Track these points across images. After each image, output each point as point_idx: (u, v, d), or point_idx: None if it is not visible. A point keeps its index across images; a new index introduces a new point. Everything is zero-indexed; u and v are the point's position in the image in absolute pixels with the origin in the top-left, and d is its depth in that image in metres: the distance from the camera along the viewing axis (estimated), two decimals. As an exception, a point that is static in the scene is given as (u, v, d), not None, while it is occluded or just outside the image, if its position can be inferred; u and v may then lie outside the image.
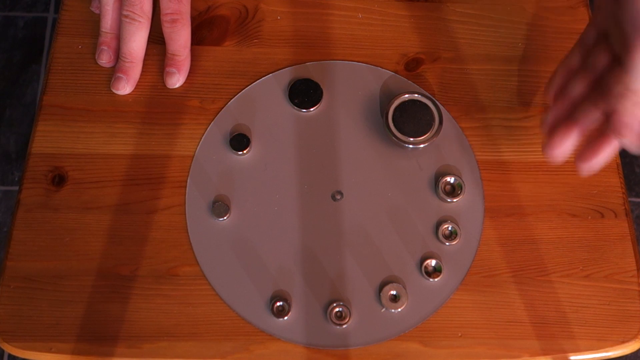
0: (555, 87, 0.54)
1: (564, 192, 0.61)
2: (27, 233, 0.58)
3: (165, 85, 0.64)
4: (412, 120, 0.61)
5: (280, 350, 0.56)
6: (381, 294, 0.57)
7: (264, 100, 0.63)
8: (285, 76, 0.64)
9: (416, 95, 0.62)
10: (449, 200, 0.60)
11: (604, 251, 0.59)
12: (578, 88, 0.52)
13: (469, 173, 0.61)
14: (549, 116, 0.53)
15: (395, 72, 0.65)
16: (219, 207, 0.59)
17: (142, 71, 0.64)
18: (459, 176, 0.60)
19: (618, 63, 0.49)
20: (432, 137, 0.61)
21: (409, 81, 0.64)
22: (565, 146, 0.52)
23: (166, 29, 0.62)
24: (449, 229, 0.59)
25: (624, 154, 0.58)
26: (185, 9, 0.63)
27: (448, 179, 0.60)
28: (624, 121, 0.48)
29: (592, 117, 0.51)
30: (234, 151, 0.61)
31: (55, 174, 0.60)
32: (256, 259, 0.58)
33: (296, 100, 0.63)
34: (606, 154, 0.51)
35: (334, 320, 0.56)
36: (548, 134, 0.52)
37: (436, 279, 0.57)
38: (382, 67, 0.65)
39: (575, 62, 0.53)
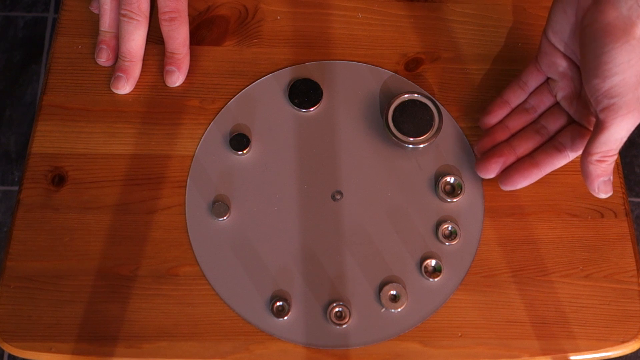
0: (492, 116, 0.60)
1: (563, 192, 0.61)
2: (27, 233, 0.58)
3: (165, 85, 0.64)
4: (412, 120, 0.61)
5: (280, 350, 0.56)
6: (381, 294, 0.57)
7: (264, 100, 0.63)
8: (285, 76, 0.64)
9: (416, 95, 0.62)
10: (449, 200, 0.60)
11: (603, 251, 0.59)
12: (518, 123, 0.60)
13: (469, 173, 0.61)
14: (484, 139, 0.60)
15: (395, 72, 0.65)
16: (219, 207, 0.59)
17: (142, 71, 0.64)
18: (459, 176, 0.60)
19: (576, 124, 0.58)
20: (432, 137, 0.61)
21: (409, 81, 0.64)
22: (498, 166, 0.58)
23: (164, 27, 0.62)
24: (449, 229, 0.59)
25: (623, 154, 0.58)
26: (183, 6, 0.63)
27: (448, 179, 0.60)
28: (588, 171, 0.54)
29: (527, 148, 0.58)
30: (234, 151, 0.61)
31: (55, 174, 0.60)
32: (256, 259, 0.58)
33: (296, 100, 0.63)
34: (531, 179, 0.58)
35: (334, 320, 0.56)
36: (482, 155, 0.59)
37: (436, 279, 0.57)
38: (382, 67, 0.65)
39: (514, 100, 0.60)
